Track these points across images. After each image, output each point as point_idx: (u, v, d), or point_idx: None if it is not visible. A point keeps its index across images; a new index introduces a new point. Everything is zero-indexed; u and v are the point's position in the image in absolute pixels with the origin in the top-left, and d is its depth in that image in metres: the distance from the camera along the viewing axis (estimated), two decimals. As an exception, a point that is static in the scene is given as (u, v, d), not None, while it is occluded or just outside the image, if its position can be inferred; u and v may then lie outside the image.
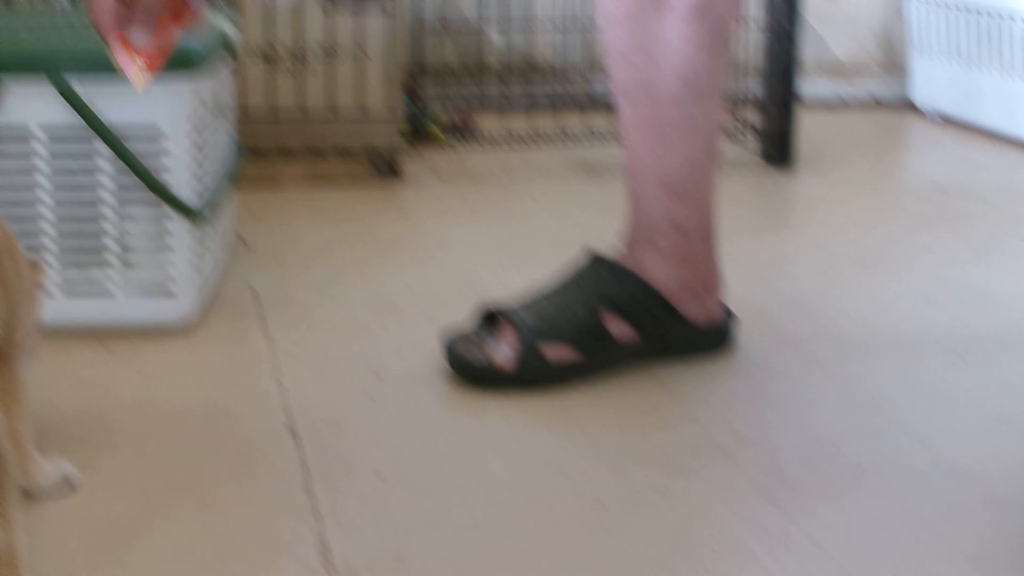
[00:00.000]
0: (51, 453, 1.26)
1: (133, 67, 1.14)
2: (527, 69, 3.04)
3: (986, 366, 1.60)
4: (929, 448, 1.37)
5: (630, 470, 1.31)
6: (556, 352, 1.50)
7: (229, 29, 1.82)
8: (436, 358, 1.55)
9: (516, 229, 2.14)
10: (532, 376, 1.48)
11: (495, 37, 3.03)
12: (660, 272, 1.55)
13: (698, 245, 1.57)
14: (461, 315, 1.63)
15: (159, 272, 1.64)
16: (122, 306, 1.65)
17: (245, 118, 2.25)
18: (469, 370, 1.50)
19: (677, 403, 1.48)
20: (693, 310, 1.58)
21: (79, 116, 1.56)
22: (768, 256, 2.05)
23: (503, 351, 1.49)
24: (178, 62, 1.58)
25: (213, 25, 1.77)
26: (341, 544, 1.16)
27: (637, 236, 1.58)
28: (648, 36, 1.51)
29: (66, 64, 1.56)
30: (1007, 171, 2.66)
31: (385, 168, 2.41)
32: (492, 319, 1.55)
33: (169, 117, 1.60)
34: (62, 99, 1.56)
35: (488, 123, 2.67)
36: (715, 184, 1.59)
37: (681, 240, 1.56)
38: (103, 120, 1.57)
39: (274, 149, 2.35)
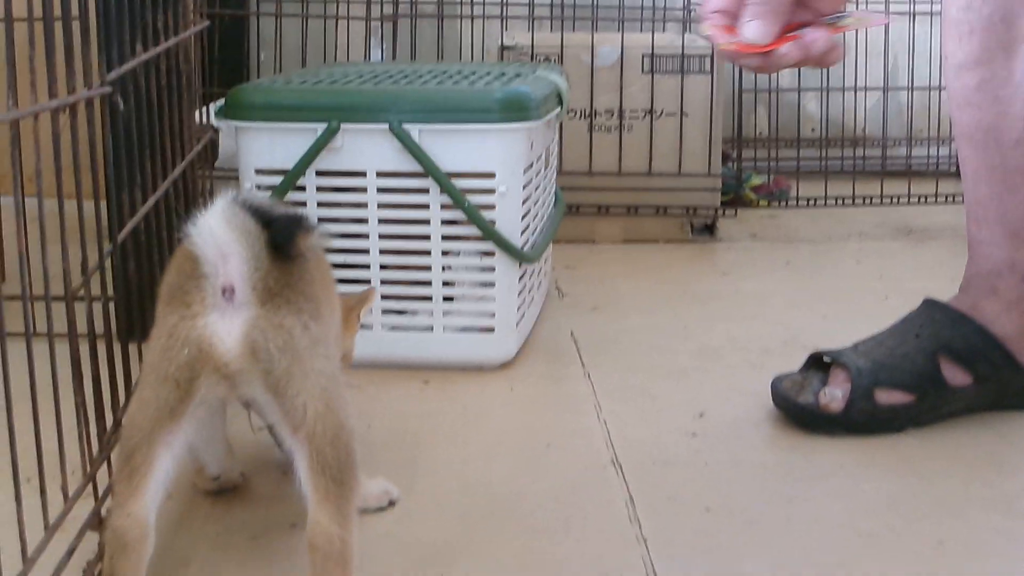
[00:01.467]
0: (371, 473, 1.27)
1: (724, 35, 1.08)
2: (844, 137, 2.98)
3: None
4: None
5: (969, 513, 1.25)
6: (889, 397, 1.44)
7: (561, 82, 1.83)
8: (761, 402, 1.51)
9: (835, 284, 2.09)
10: (861, 418, 1.43)
11: (811, 106, 2.99)
12: (1001, 319, 1.49)
13: (1041, 293, 1.50)
14: (784, 362, 1.59)
15: (481, 310, 1.65)
16: (443, 342, 1.67)
17: (564, 174, 2.28)
18: (795, 409, 1.46)
19: (1016, 451, 1.40)
20: (1033, 361, 1.51)
21: (415, 161, 1.60)
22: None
23: (833, 394, 1.45)
24: (515, 107, 1.61)
25: (546, 77, 1.79)
26: (670, 572, 1.14)
27: (977, 283, 1.51)
28: (996, 79, 1.47)
29: (403, 111, 1.60)
30: None
31: (702, 227, 2.39)
32: (823, 365, 1.51)
33: (502, 161, 1.62)
34: (399, 145, 1.59)
35: (804, 189, 2.62)
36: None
37: (1024, 287, 1.49)
38: (437, 165, 1.60)
39: (590, 206, 2.36)
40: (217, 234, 0.98)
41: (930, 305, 1.52)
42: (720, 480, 1.33)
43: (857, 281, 2.11)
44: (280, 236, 0.99)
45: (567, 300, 2.00)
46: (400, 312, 1.66)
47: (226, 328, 0.99)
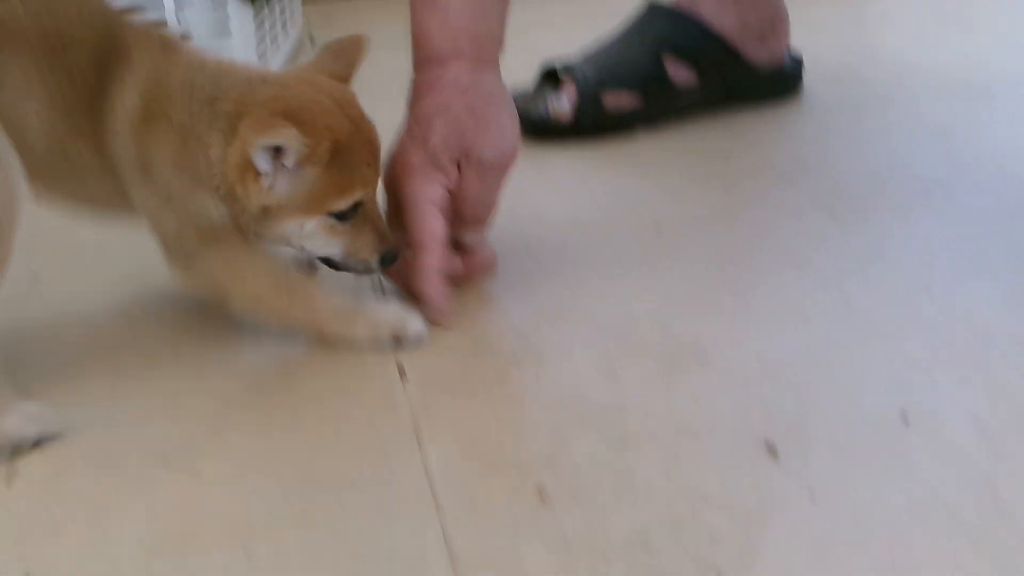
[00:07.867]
0: None
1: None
2: None
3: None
4: (999, 166, 1.34)
5: (689, 196, 1.30)
6: (616, 99, 1.48)
7: None
8: (498, 119, 1.53)
9: (578, 7, 2.10)
10: (591, 123, 1.47)
11: None
12: (720, 15, 1.52)
13: (759, -16, 1.54)
14: (523, 79, 1.60)
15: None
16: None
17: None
18: (527, 122, 1.47)
19: (741, 141, 1.45)
20: (756, 53, 1.54)
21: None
22: (850, 19, 2.00)
23: (562, 103, 1.47)
24: None
25: None
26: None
27: (696, -19, 1.54)
28: None
29: None
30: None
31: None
32: (555, 78, 1.53)
33: None
34: None
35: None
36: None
37: (741, -20, 1.52)
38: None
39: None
40: None
41: (652, 8, 1.54)
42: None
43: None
44: None
45: (319, 46, 1.97)
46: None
47: None
